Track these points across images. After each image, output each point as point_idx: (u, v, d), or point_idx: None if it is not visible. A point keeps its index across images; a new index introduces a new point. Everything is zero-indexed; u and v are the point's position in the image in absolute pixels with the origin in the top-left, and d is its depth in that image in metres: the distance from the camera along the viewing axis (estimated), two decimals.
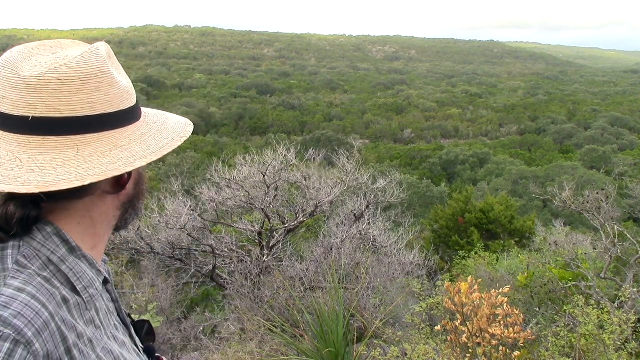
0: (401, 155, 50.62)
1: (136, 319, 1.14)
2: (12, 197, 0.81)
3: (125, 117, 0.88)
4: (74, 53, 0.85)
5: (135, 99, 0.93)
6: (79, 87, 0.81)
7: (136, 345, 1.04)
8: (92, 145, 0.83)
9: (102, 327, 0.90)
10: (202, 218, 7.34)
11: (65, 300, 0.83)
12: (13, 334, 0.72)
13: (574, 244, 7.61)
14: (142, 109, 0.99)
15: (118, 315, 1.02)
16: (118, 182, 0.91)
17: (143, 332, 1.14)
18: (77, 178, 0.79)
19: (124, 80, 0.90)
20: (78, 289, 0.86)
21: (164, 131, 0.94)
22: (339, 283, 5.12)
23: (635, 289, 4.98)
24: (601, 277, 5.75)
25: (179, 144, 0.92)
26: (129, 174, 0.91)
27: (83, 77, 0.81)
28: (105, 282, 0.96)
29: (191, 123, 1.02)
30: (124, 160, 0.83)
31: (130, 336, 1.03)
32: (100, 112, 0.83)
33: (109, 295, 1.01)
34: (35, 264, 0.82)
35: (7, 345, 0.71)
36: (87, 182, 0.79)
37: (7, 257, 0.81)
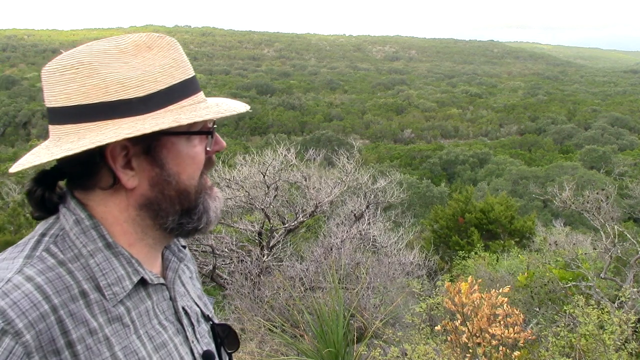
0: (401, 155, 50.67)
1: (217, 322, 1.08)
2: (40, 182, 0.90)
3: (106, 110, 0.84)
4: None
5: (148, 92, 0.86)
6: (57, 79, 0.85)
7: (191, 350, 0.98)
8: (69, 136, 0.85)
9: (131, 326, 0.88)
10: None
11: (84, 294, 0.83)
12: (2, 324, 0.74)
13: (574, 244, 7.61)
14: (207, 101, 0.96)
15: (176, 314, 0.98)
16: (109, 179, 0.88)
17: (224, 336, 1.08)
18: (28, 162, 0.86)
19: (127, 72, 0.85)
20: (101, 285, 0.86)
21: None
22: (339, 283, 5.11)
23: (635, 289, 4.98)
24: (601, 277, 5.74)
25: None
26: (114, 171, 0.87)
27: (61, 68, 0.85)
28: (143, 282, 0.91)
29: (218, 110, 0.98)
30: (54, 153, 0.84)
31: (186, 338, 0.98)
32: (75, 104, 0.85)
33: (168, 294, 0.98)
34: (67, 255, 0.85)
35: None
36: (25, 167, 0.85)
37: (40, 244, 0.85)
